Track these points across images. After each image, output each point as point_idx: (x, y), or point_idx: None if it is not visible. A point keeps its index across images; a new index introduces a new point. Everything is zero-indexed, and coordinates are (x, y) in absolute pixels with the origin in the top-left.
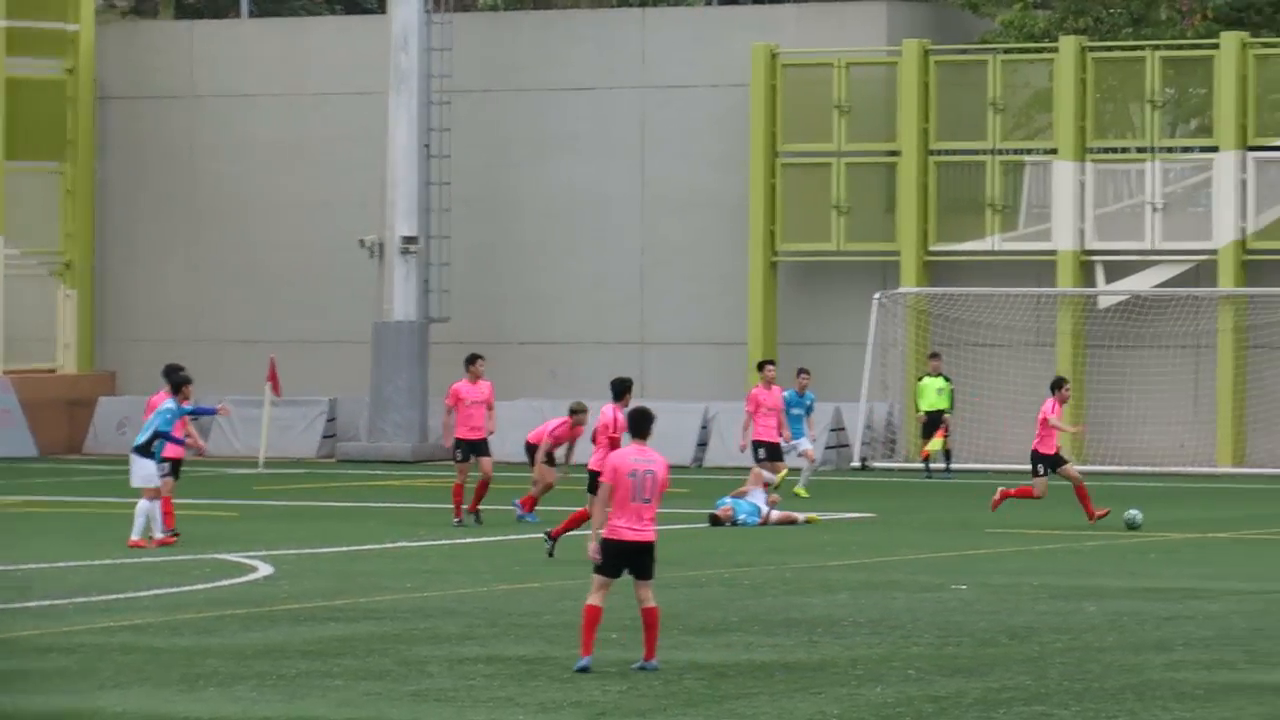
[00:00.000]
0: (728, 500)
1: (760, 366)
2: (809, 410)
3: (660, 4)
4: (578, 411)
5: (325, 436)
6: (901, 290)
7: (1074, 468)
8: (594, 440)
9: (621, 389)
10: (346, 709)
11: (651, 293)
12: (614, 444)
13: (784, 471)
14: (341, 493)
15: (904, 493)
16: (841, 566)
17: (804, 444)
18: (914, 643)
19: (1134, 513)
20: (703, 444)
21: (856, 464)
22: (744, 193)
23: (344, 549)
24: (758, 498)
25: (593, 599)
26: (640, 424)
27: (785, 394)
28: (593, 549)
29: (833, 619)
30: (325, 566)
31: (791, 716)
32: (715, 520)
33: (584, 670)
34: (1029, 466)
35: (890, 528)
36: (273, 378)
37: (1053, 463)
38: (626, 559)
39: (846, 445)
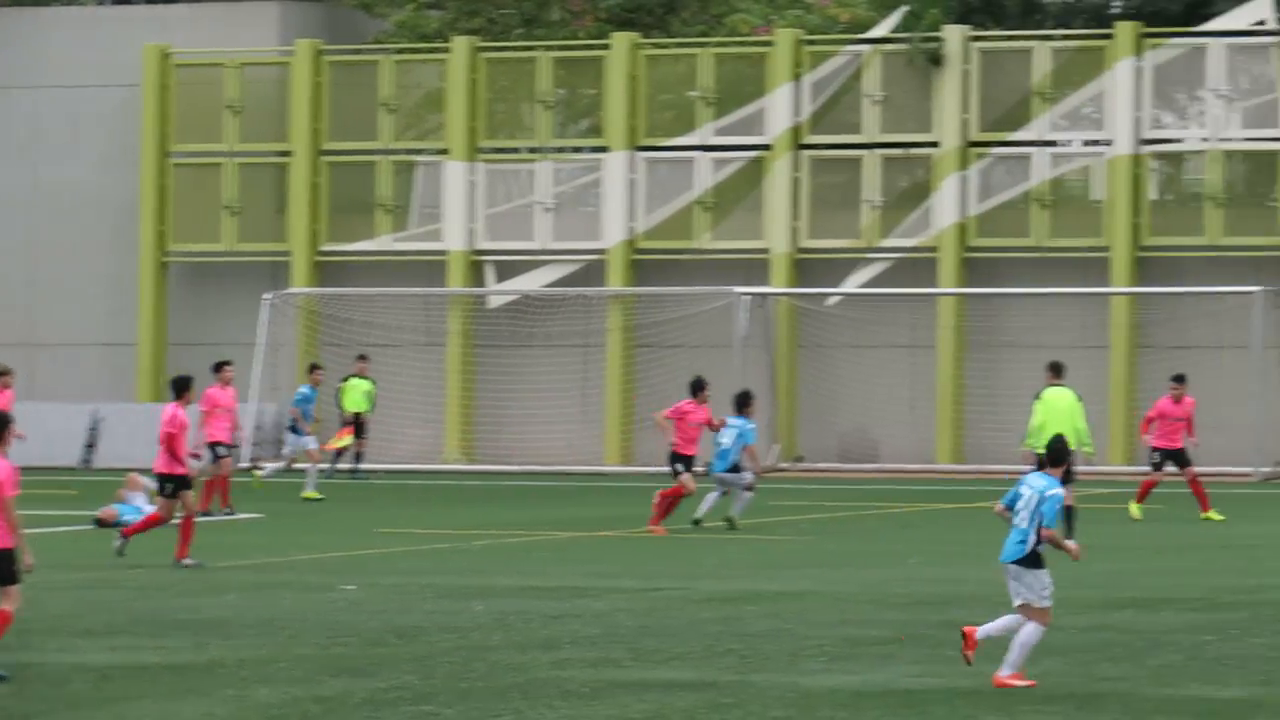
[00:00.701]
0: (113, 505)
1: (218, 367)
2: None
3: (53, 3)
4: (4, 374)
5: None
6: (292, 291)
7: (689, 477)
8: (161, 442)
9: (182, 387)
10: None
11: (40, 293)
12: (171, 440)
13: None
14: None
15: (293, 493)
16: (230, 568)
17: (308, 442)
18: (302, 643)
19: None
20: (91, 445)
21: (246, 464)
22: (134, 193)
23: None
24: (138, 500)
25: None
26: None
27: (302, 389)
28: None
29: (221, 620)
30: None
31: (178, 718)
32: (100, 523)
33: None
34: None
35: (279, 529)
36: None
37: (687, 463)
38: None
39: (237, 445)
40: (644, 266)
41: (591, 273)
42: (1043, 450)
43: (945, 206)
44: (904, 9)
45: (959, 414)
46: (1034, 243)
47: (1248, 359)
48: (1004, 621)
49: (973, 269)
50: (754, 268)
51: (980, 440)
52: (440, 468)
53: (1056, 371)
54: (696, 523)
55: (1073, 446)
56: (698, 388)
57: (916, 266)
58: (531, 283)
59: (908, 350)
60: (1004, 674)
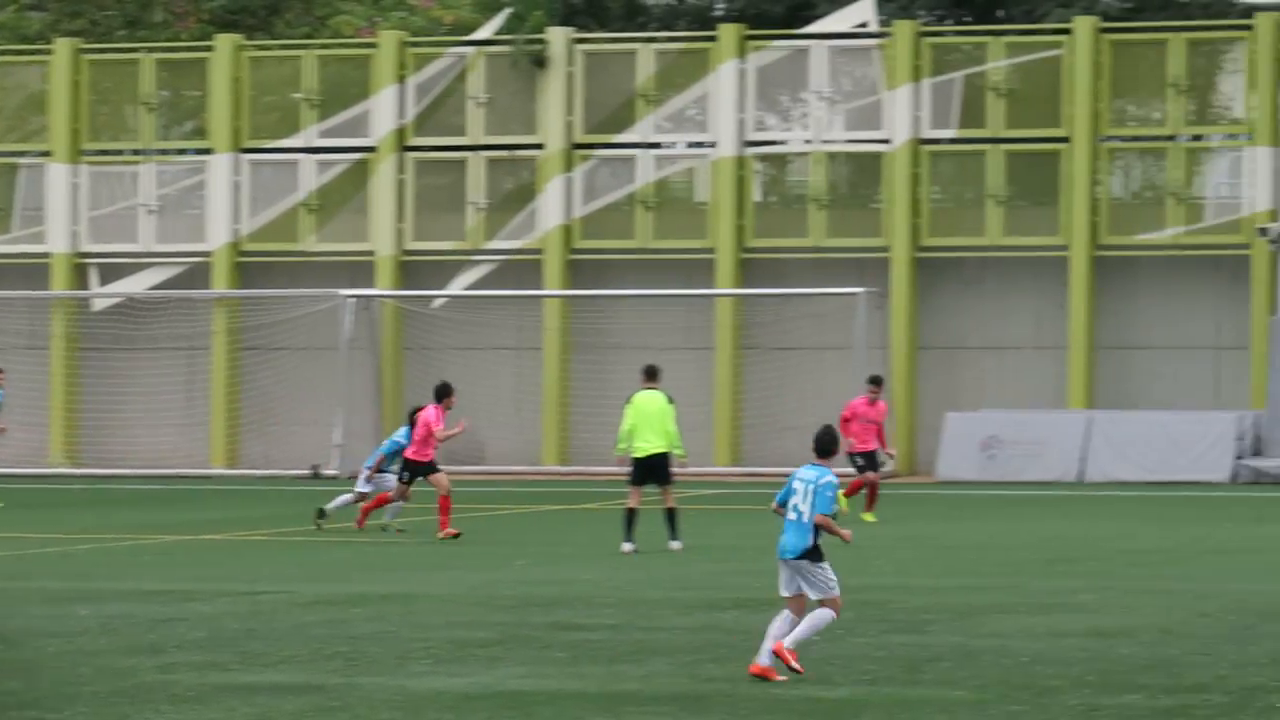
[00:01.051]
0: None
1: None
2: None
3: None
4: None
5: None
6: None
7: (444, 476)
8: None
9: None
10: None
11: None
12: None
13: None
14: None
15: None
16: None
17: None
18: None
19: None
20: None
21: None
22: None
23: None
24: None
25: None
26: None
27: None
28: None
29: None
30: None
31: None
32: None
33: None
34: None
35: None
36: None
37: (424, 470)
38: None
39: None
40: (249, 269)
41: (196, 275)
42: (638, 454)
43: (550, 208)
44: (508, 11)
45: (564, 416)
46: (639, 244)
47: (851, 360)
48: (806, 624)
49: (578, 271)
50: (359, 270)
51: (585, 442)
52: (45, 471)
53: (650, 375)
54: (321, 512)
55: (664, 450)
56: (443, 394)
57: (522, 268)
58: (136, 285)
59: (514, 352)
60: (785, 644)
